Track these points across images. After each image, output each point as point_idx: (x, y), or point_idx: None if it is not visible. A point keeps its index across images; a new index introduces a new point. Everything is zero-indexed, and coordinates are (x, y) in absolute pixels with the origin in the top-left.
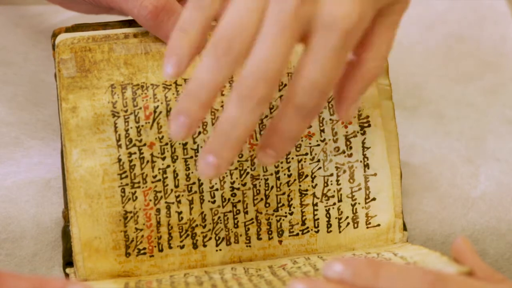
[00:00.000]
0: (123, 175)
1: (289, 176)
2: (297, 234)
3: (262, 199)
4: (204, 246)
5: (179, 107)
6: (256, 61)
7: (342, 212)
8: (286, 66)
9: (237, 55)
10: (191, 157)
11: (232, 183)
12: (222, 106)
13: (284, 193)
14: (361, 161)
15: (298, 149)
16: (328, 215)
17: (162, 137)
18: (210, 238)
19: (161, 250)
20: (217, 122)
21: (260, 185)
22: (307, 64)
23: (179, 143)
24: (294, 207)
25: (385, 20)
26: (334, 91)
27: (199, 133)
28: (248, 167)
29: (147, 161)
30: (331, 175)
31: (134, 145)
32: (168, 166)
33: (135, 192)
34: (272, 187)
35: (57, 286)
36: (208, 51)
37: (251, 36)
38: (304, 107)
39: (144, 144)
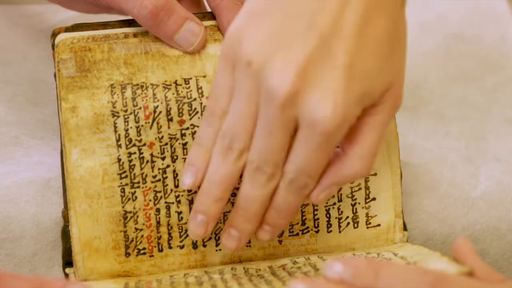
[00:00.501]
0: (123, 175)
1: None
2: (297, 234)
3: None
4: (204, 246)
5: (196, 206)
6: (256, 153)
7: (342, 212)
8: (286, 150)
9: (239, 152)
10: None
11: None
12: None
13: None
14: None
15: None
16: (328, 215)
17: (162, 137)
18: (210, 238)
19: (161, 250)
20: (236, 199)
21: None
22: (295, 151)
23: (179, 143)
24: None
25: (371, 120)
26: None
27: None
28: None
29: (147, 161)
30: None
31: (134, 145)
32: (168, 166)
33: (135, 192)
34: None
35: (57, 286)
36: (214, 151)
37: (248, 135)
38: (294, 184)
39: (144, 144)
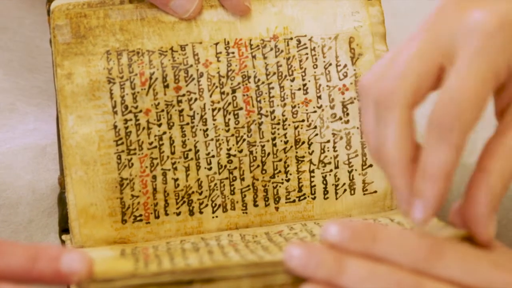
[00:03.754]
0: (119, 142)
1: (286, 142)
2: (294, 201)
3: (258, 165)
4: (201, 213)
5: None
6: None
7: (339, 178)
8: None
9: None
10: (187, 123)
11: (229, 149)
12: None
13: (280, 160)
14: (358, 128)
15: (294, 115)
16: (325, 182)
17: (158, 103)
18: (207, 205)
19: (157, 217)
20: (421, 165)
21: (256, 152)
22: (448, 79)
23: (176, 110)
24: (290, 174)
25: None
26: (463, 216)
27: (195, 99)
28: (244, 133)
29: (143, 128)
30: (328, 141)
31: (130, 111)
32: (164, 132)
33: (131, 159)
34: (269, 153)
35: (53, 254)
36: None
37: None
38: (438, 124)
39: (140, 111)
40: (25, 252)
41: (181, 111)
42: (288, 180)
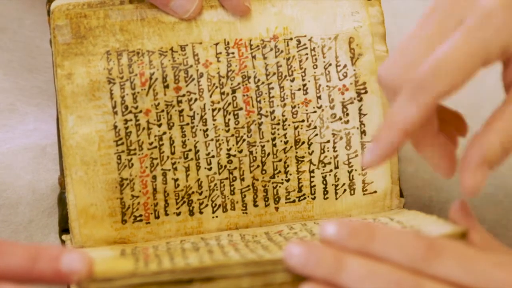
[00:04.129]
0: (119, 142)
1: (286, 143)
2: (294, 201)
3: (258, 166)
4: (201, 213)
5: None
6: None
7: (338, 179)
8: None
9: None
10: (187, 124)
11: (229, 150)
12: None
13: (280, 160)
14: (357, 128)
15: (294, 116)
16: (324, 182)
17: (158, 104)
18: (207, 205)
19: (157, 217)
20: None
21: (256, 152)
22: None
23: (176, 110)
24: (290, 174)
25: None
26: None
27: (195, 100)
28: (244, 134)
29: (143, 128)
30: (328, 141)
31: (130, 112)
32: (164, 133)
33: (131, 159)
34: (269, 154)
35: (53, 254)
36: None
37: None
38: (413, 81)
39: (140, 111)
40: (25, 252)
41: (181, 111)
42: (288, 180)
